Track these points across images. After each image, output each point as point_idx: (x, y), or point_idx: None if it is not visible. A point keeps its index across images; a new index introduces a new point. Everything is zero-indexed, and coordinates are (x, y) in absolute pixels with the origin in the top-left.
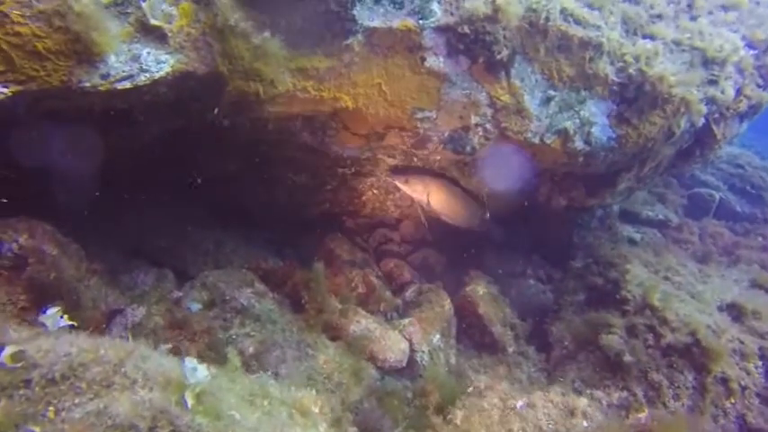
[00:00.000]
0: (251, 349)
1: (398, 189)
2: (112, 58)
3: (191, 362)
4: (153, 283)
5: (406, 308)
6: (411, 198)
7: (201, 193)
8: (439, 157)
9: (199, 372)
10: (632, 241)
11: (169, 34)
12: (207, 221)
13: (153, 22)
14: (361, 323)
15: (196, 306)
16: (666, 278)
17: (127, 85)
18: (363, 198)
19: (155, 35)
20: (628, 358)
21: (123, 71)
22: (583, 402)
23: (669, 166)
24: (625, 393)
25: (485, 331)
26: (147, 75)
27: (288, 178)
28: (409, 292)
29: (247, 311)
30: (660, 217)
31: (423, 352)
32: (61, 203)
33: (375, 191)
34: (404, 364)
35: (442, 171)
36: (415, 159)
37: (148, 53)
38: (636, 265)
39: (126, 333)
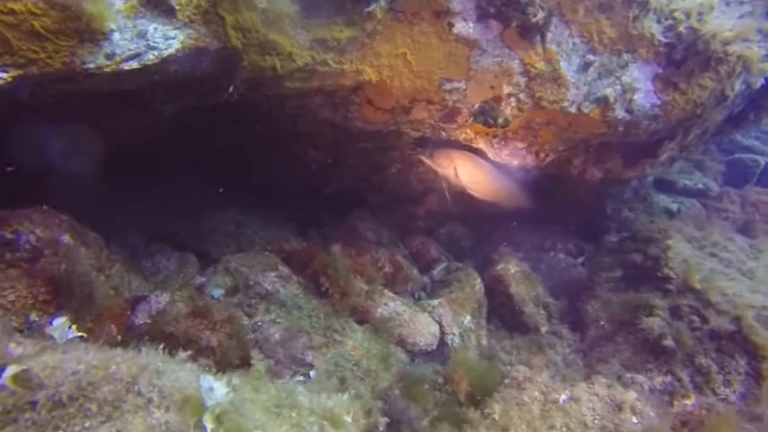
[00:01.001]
0: (277, 336)
1: (422, 163)
2: (117, 36)
3: (207, 380)
4: (175, 267)
5: (435, 287)
6: (435, 172)
7: (219, 173)
8: (468, 131)
9: (216, 391)
10: (669, 212)
11: (177, 7)
12: (226, 201)
13: None
14: (389, 305)
15: (218, 292)
16: (713, 254)
17: (134, 64)
18: (386, 173)
19: (161, 9)
20: (669, 342)
21: (129, 49)
22: (631, 396)
23: (716, 132)
24: (669, 378)
25: (516, 311)
26: (156, 53)
27: (307, 154)
28: (437, 271)
29: (272, 297)
30: (699, 186)
31: (453, 334)
32: (75, 190)
33: (398, 165)
34: (434, 347)
35: (468, 143)
36: (443, 134)
37: (155, 29)
38: (678, 241)
39: (150, 320)
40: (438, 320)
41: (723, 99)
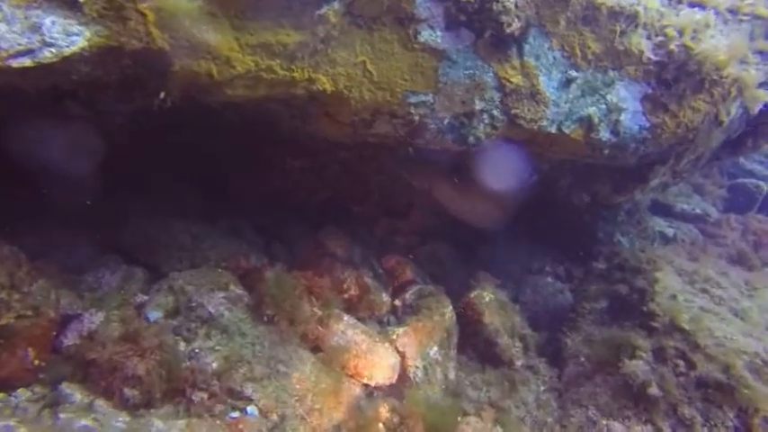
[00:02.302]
0: (214, 365)
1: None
2: (2, 27)
3: None
4: (117, 283)
5: (405, 312)
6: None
7: (190, 180)
8: (439, 149)
9: None
10: (665, 237)
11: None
12: (188, 211)
13: None
14: (346, 334)
15: (155, 314)
16: (704, 290)
17: (26, 62)
18: (370, 184)
19: (62, 0)
20: (654, 391)
21: (19, 44)
22: None
23: (713, 158)
24: (649, 428)
25: (490, 342)
26: (54, 50)
27: (286, 162)
28: (409, 294)
29: (214, 321)
30: (697, 211)
31: (417, 367)
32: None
33: (381, 176)
34: (394, 381)
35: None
36: (411, 150)
37: (53, 23)
38: (667, 273)
39: (80, 342)
40: (401, 351)
41: (718, 124)
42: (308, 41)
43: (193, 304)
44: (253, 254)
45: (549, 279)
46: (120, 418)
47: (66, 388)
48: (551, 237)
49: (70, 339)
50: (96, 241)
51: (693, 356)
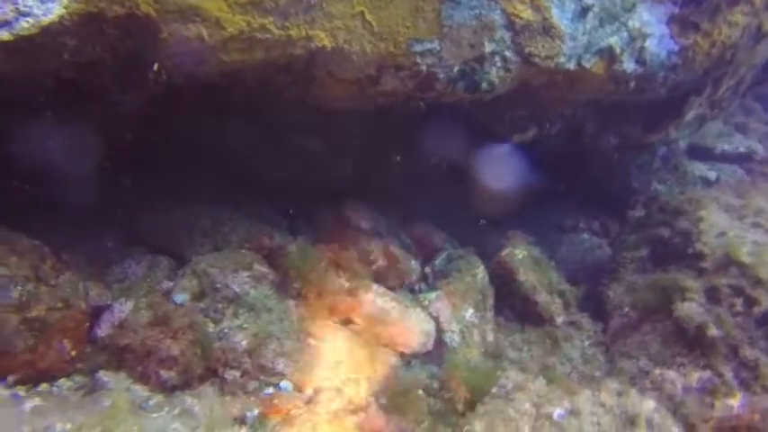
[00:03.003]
0: (244, 343)
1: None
2: None
3: None
4: (143, 272)
5: (436, 278)
6: None
7: (206, 166)
8: (452, 100)
9: None
10: (706, 181)
11: None
12: (212, 197)
13: None
14: (377, 303)
15: (183, 297)
16: (757, 225)
17: (4, 35)
18: (389, 157)
19: None
20: (714, 332)
21: None
22: (647, 407)
23: (755, 82)
24: (708, 374)
25: (527, 301)
26: (30, 20)
27: (302, 143)
28: (438, 260)
29: (241, 300)
30: (741, 149)
31: (452, 331)
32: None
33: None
34: (430, 347)
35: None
36: (421, 104)
37: None
38: (713, 211)
39: (113, 331)
40: (435, 316)
41: (761, 37)
42: None
43: (218, 285)
44: (276, 233)
45: (585, 235)
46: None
47: (104, 376)
48: (583, 192)
49: (104, 330)
50: (119, 233)
51: (754, 293)
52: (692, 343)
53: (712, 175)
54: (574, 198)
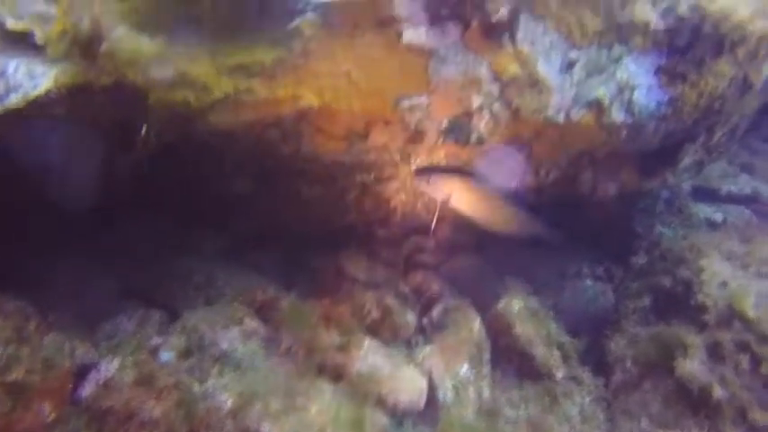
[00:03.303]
0: (229, 403)
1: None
2: None
3: None
4: (134, 328)
5: (434, 331)
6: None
7: (205, 216)
8: (443, 153)
9: None
10: (713, 224)
11: (40, 42)
12: (210, 248)
13: (12, 25)
14: (368, 359)
15: (168, 355)
16: (761, 274)
17: None
18: (392, 204)
19: (25, 43)
20: (719, 393)
21: None
22: None
23: (750, 127)
24: None
25: (525, 355)
26: (19, 94)
27: (302, 192)
28: (436, 312)
29: (227, 357)
30: (747, 191)
31: (446, 388)
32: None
33: (403, 195)
34: (422, 405)
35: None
36: (415, 158)
37: (17, 67)
38: (715, 259)
39: (96, 391)
40: (428, 372)
41: (748, 87)
42: (286, 57)
43: (206, 342)
44: (271, 286)
45: (589, 281)
46: None
47: None
48: (586, 238)
49: (88, 390)
50: (113, 286)
51: (761, 350)
52: (697, 404)
53: (719, 216)
54: (577, 243)
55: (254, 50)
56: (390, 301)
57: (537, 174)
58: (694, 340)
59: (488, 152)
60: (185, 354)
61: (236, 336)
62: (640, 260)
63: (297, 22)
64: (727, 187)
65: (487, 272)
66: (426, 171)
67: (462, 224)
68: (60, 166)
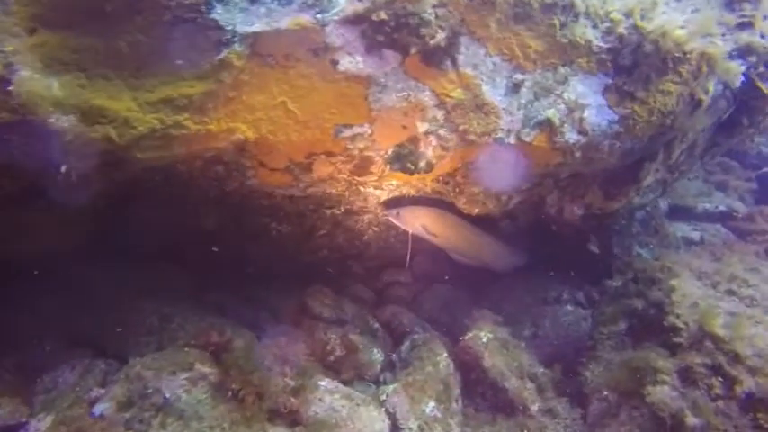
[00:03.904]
0: None
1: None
2: None
3: None
4: (75, 380)
5: (403, 367)
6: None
7: (167, 254)
8: (395, 182)
9: None
10: (690, 242)
11: None
12: (170, 288)
13: None
14: (325, 401)
15: (102, 407)
16: (731, 292)
17: None
18: (365, 238)
19: None
20: (692, 420)
21: None
22: None
23: (710, 144)
24: None
25: (496, 388)
26: None
27: (272, 228)
28: (405, 346)
29: (170, 407)
30: (721, 208)
31: (410, 429)
32: None
33: (375, 228)
34: None
35: (439, 196)
36: (361, 189)
37: None
38: (685, 279)
39: None
40: (392, 412)
41: (697, 104)
42: (216, 90)
43: (149, 391)
44: (229, 327)
45: (569, 307)
46: None
47: None
48: (564, 262)
49: None
50: (61, 335)
51: (733, 371)
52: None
53: (696, 235)
54: (557, 268)
55: (178, 84)
56: (355, 337)
57: (499, 199)
58: (665, 364)
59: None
60: (125, 405)
61: (182, 383)
62: (615, 283)
63: (223, 54)
64: (703, 205)
65: (463, 302)
66: (395, 203)
67: (437, 255)
68: None
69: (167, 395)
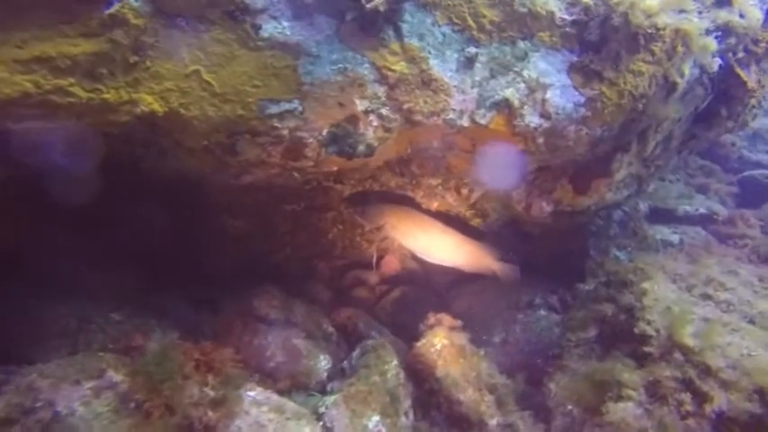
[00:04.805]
0: None
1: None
2: None
3: None
4: None
5: (350, 375)
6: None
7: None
8: (335, 168)
9: None
10: (670, 245)
11: None
12: (109, 288)
13: None
14: (251, 414)
15: None
16: (706, 296)
17: None
18: (329, 236)
19: None
20: None
21: None
22: None
23: (688, 137)
24: None
25: (450, 400)
26: None
27: (228, 225)
28: (356, 353)
29: (60, 423)
30: (702, 211)
31: None
32: None
33: (340, 226)
34: None
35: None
36: (297, 175)
37: None
38: (658, 282)
39: None
40: (329, 427)
41: (671, 88)
42: (110, 52)
43: (38, 405)
44: (161, 329)
45: (542, 312)
46: None
47: None
48: (539, 264)
49: None
50: None
51: (704, 386)
52: None
53: (675, 238)
54: (532, 270)
55: (57, 41)
56: (299, 342)
57: (459, 192)
58: (630, 378)
59: None
60: (4, 423)
61: (84, 393)
62: (587, 286)
63: (114, 7)
64: (684, 208)
65: (430, 306)
66: (361, 199)
67: (406, 256)
68: None
69: (59, 409)
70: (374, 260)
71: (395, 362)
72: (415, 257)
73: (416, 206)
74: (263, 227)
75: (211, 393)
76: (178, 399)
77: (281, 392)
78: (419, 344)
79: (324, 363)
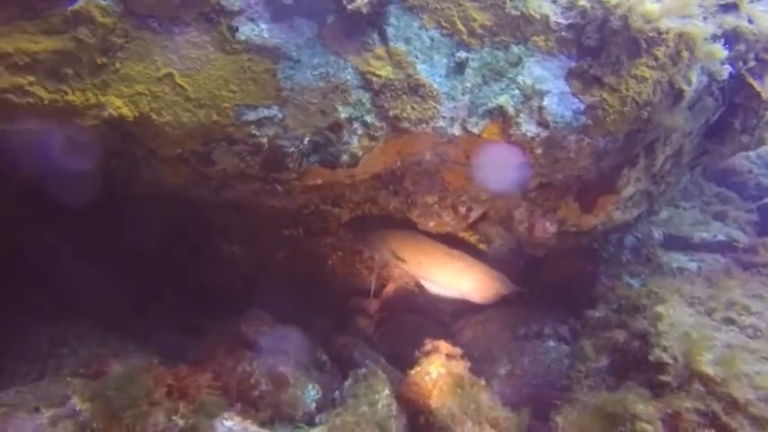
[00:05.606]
0: None
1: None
2: None
3: None
4: None
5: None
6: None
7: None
8: (320, 181)
9: None
10: (687, 273)
11: None
12: (93, 313)
13: None
14: None
15: None
16: (729, 320)
17: None
18: (329, 263)
19: None
20: None
21: None
22: None
23: (700, 152)
24: None
25: None
26: None
27: (223, 249)
28: (348, 383)
29: None
30: (720, 238)
31: None
32: None
33: (339, 253)
34: None
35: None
36: (279, 188)
37: None
38: (674, 305)
39: None
40: None
41: (678, 96)
42: (75, 52)
43: None
44: (139, 354)
45: (551, 343)
46: None
47: None
48: (548, 293)
49: None
50: None
51: (731, 421)
52: None
53: (693, 266)
54: (541, 299)
55: (14, 37)
56: (287, 369)
57: (456, 211)
58: (645, 410)
59: None
60: None
61: (39, 423)
62: (597, 313)
63: (80, 3)
64: (701, 234)
65: (432, 335)
66: (361, 224)
67: (409, 283)
68: None
69: None
70: (372, 287)
71: (386, 391)
72: (418, 284)
73: (416, 229)
74: (258, 252)
75: (180, 422)
76: (141, 427)
77: (263, 423)
78: (413, 372)
79: (313, 393)
